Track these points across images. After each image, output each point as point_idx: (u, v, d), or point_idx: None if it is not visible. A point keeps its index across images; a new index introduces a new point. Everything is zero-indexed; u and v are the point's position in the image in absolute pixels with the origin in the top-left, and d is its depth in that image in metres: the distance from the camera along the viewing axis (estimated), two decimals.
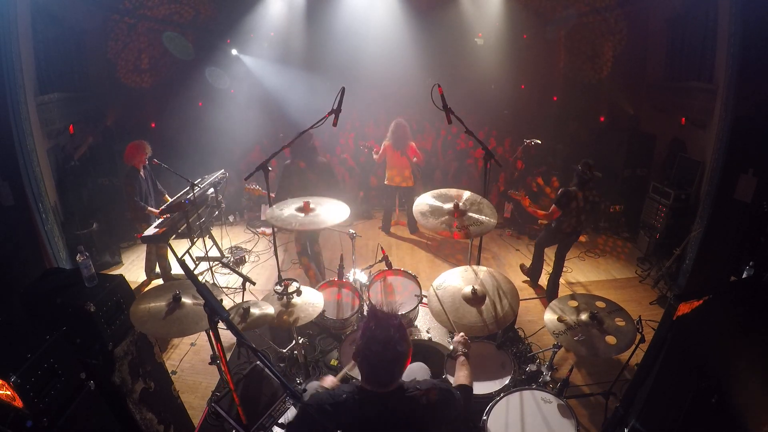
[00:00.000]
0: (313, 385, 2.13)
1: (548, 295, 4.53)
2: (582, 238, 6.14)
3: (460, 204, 2.96)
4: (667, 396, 2.43)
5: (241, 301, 3.21)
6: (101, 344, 2.30)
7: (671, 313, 2.33)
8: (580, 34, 7.69)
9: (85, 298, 2.25)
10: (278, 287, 2.93)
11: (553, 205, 4.11)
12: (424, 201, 3.09)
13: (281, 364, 3.47)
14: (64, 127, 5.45)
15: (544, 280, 4.81)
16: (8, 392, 1.78)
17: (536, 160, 6.97)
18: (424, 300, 3.48)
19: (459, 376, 2.04)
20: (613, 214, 6.30)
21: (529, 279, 4.95)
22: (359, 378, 1.70)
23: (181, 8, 7.28)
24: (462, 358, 2.15)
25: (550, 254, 4.64)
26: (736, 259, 3.91)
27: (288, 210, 3.15)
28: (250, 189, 4.71)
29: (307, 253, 4.71)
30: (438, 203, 3.05)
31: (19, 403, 1.80)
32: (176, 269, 4.95)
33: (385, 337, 1.58)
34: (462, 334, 2.28)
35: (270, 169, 3.15)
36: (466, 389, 1.95)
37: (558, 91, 8.72)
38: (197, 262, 5.02)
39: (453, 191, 3.16)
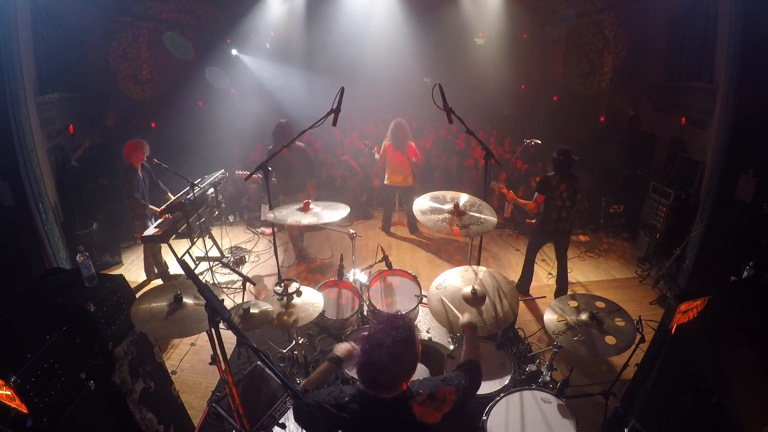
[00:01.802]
0: (343, 346, 2.06)
1: (557, 296, 4.51)
2: (583, 238, 6.14)
3: (460, 204, 2.98)
4: (667, 396, 2.43)
5: (241, 301, 3.21)
6: (101, 344, 2.30)
7: (671, 313, 2.33)
8: (580, 34, 7.69)
9: (85, 298, 2.25)
10: (278, 288, 2.93)
11: (536, 193, 4.14)
12: (424, 202, 3.12)
13: (281, 364, 3.47)
14: (64, 127, 5.45)
15: (534, 287, 4.78)
16: (8, 392, 1.78)
17: (535, 160, 6.97)
18: (424, 300, 3.48)
19: (466, 351, 2.01)
20: (613, 214, 6.30)
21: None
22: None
23: (182, 16, 7.30)
24: (469, 334, 2.10)
25: (553, 256, 4.63)
26: (736, 259, 3.91)
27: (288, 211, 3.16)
28: (239, 175, 5.29)
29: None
30: (437, 204, 3.06)
31: (19, 403, 1.80)
32: (176, 269, 4.96)
33: (390, 344, 1.54)
34: (467, 314, 2.27)
35: (270, 169, 3.16)
36: (472, 364, 1.89)
37: (558, 91, 8.72)
38: (197, 262, 5.02)
39: (451, 194, 3.18)
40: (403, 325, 1.61)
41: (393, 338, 1.55)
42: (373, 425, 1.59)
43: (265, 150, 7.35)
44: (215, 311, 1.57)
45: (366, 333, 1.62)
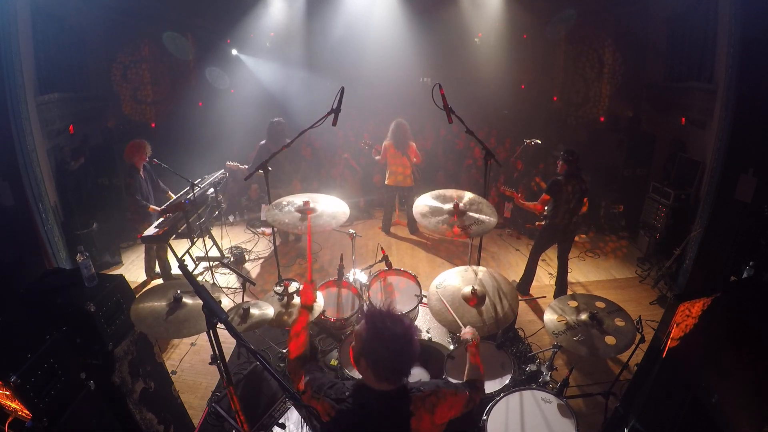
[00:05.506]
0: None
1: (557, 296, 4.51)
2: (583, 237, 6.13)
3: (460, 204, 2.98)
4: (667, 396, 2.43)
5: (241, 301, 3.21)
6: (101, 344, 2.30)
7: (671, 314, 2.33)
8: (580, 33, 7.69)
9: (85, 298, 2.25)
10: (278, 288, 2.93)
11: (543, 194, 4.14)
12: (424, 202, 3.12)
13: (281, 365, 3.47)
14: (64, 127, 5.45)
15: (534, 287, 4.77)
16: (8, 392, 1.78)
17: (534, 159, 6.97)
18: (424, 300, 3.48)
19: (468, 370, 1.97)
20: (613, 214, 6.30)
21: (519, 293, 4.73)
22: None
23: (182, 15, 7.31)
24: (472, 349, 2.05)
25: (553, 256, 4.62)
26: (736, 259, 3.91)
27: (288, 209, 3.16)
28: (230, 165, 5.44)
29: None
30: (438, 204, 3.06)
31: (18, 403, 1.80)
32: (176, 269, 4.95)
33: (398, 333, 1.55)
34: (470, 327, 2.21)
35: (270, 169, 3.17)
36: (474, 384, 1.87)
37: (558, 91, 8.72)
38: (197, 262, 5.02)
39: (451, 192, 3.18)
40: (400, 317, 1.63)
41: (401, 325, 1.57)
42: (371, 417, 1.59)
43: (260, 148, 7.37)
44: (212, 313, 1.57)
45: (376, 330, 1.57)
